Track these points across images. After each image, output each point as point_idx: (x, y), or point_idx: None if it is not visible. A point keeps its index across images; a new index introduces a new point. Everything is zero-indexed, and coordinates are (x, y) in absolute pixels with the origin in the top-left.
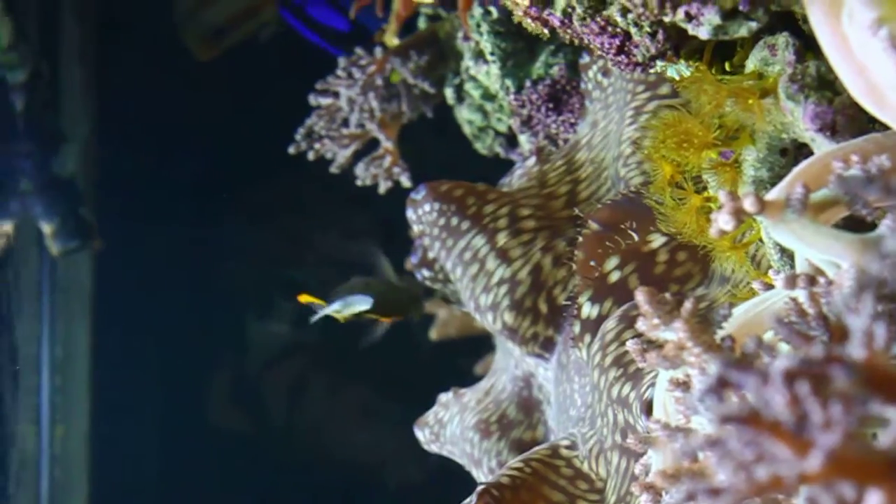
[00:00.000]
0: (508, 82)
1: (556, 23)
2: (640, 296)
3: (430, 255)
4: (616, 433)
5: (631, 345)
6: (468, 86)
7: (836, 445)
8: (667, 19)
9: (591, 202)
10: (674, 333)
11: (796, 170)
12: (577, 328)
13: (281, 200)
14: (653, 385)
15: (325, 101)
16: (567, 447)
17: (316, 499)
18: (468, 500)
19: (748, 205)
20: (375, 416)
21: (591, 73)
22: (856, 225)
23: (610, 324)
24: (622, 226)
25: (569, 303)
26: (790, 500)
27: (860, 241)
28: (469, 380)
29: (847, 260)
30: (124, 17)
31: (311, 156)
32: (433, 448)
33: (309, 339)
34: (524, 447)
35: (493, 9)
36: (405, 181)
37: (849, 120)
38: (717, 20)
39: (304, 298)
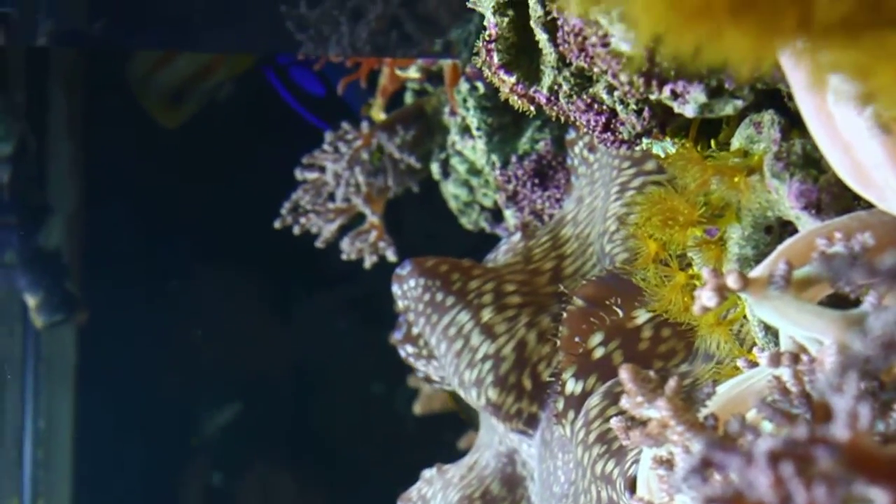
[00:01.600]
0: (494, 157)
1: (543, 100)
2: (624, 373)
3: (415, 330)
4: None
5: (615, 422)
6: (454, 160)
7: None
8: (653, 97)
9: (576, 278)
10: (657, 411)
11: (780, 247)
12: (560, 404)
13: (268, 273)
14: (637, 462)
15: (312, 175)
16: None
17: None
18: None
19: (731, 282)
20: (358, 491)
21: (577, 149)
22: (839, 302)
23: (594, 400)
24: (607, 302)
25: (553, 379)
26: None
27: (843, 318)
28: (453, 455)
29: (829, 337)
30: (111, 90)
31: (296, 230)
32: None
33: (296, 409)
34: None
35: (479, 84)
36: (391, 256)
37: (834, 198)
38: (702, 98)
39: None
